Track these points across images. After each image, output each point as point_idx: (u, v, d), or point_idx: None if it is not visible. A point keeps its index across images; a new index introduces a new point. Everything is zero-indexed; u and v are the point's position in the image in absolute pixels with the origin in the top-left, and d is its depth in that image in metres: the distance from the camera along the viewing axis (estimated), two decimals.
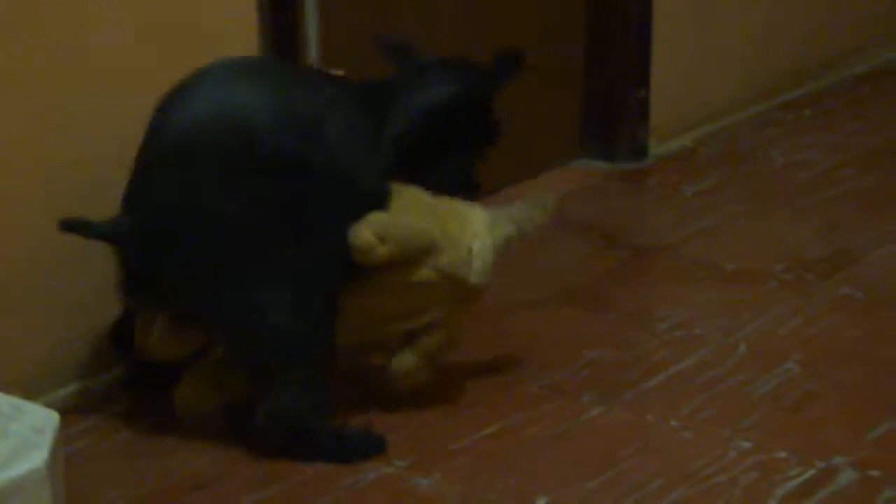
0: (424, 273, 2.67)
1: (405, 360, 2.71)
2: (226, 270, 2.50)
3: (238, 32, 2.94)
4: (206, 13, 2.88)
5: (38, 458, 1.97)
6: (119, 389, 2.79)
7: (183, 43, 2.82)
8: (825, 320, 3.05)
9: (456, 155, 2.75)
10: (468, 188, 2.78)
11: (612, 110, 3.84)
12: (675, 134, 3.97)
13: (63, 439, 2.11)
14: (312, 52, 3.02)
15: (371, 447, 2.60)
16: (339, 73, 2.80)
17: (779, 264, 3.29)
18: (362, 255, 2.60)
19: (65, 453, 2.15)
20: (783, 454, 2.58)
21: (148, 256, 2.52)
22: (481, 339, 2.89)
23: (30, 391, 2.62)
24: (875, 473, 2.53)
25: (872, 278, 3.23)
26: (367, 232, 2.60)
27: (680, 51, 3.93)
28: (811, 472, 2.53)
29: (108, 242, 2.55)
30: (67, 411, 2.59)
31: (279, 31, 3.00)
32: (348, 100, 2.63)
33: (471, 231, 2.69)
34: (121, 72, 2.76)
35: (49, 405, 2.26)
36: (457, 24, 3.42)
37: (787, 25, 4.24)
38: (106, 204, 2.56)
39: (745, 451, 2.59)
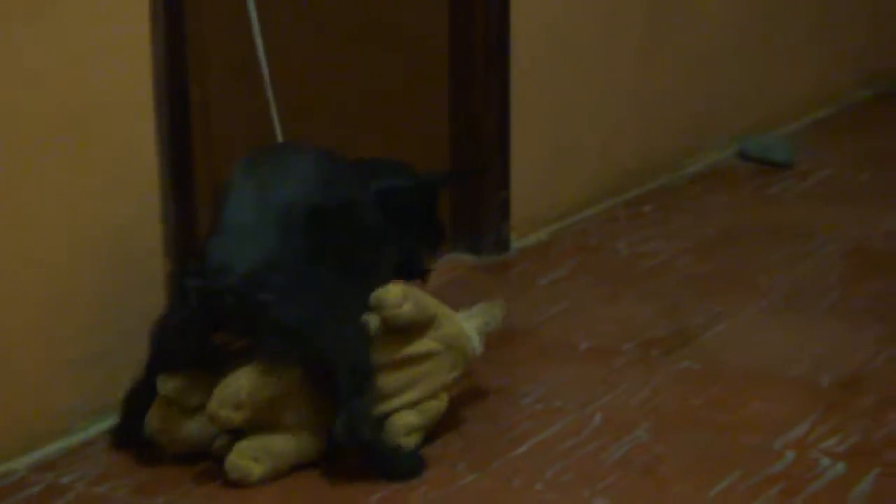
0: (429, 344, 2.76)
1: (409, 418, 2.74)
2: (323, 308, 2.65)
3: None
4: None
5: None
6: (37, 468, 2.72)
7: None
8: (669, 391, 3.06)
9: (412, 239, 2.99)
10: (421, 270, 3.05)
11: (477, 210, 3.84)
12: (532, 229, 3.98)
13: None
14: None
15: (418, 466, 2.70)
16: None
17: (627, 343, 3.30)
18: (390, 308, 2.68)
19: None
20: None
21: (248, 307, 2.62)
22: None
23: None
24: None
25: (709, 353, 3.25)
26: (396, 289, 2.70)
27: (535, 158, 3.95)
28: None
29: (215, 295, 2.63)
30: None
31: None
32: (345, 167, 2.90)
33: (457, 316, 2.82)
34: None
35: None
36: (328, 131, 3.41)
37: (628, 132, 4.28)
38: None
39: None
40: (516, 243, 3.90)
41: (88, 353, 2.86)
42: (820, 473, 2.69)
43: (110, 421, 2.88)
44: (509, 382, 3.11)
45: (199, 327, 2.68)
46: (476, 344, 2.83)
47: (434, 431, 2.84)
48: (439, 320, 2.78)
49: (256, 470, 2.65)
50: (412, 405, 2.74)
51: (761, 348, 3.28)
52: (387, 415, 2.73)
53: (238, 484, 2.63)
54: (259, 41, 3.08)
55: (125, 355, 2.87)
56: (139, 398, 2.75)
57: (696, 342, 3.31)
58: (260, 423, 2.67)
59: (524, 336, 3.36)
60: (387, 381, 2.71)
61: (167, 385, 2.69)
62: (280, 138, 3.13)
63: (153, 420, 2.72)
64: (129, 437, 2.78)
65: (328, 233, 2.72)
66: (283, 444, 2.68)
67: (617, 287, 3.63)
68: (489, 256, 3.83)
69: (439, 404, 2.78)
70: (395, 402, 2.73)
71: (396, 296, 2.70)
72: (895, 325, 3.37)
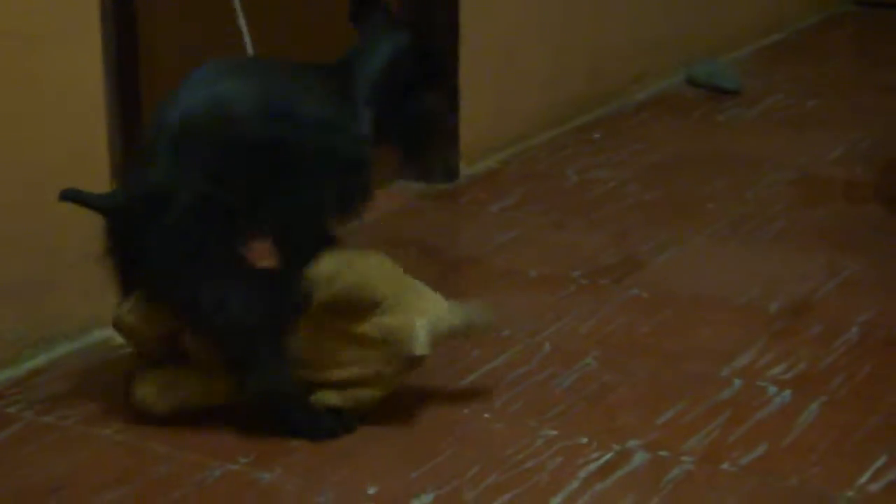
0: (366, 328, 2.55)
1: (327, 398, 2.59)
2: (202, 253, 2.46)
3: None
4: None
5: None
6: None
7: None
8: (618, 319, 3.06)
9: (418, 96, 2.67)
10: (433, 123, 2.74)
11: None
12: (482, 157, 3.96)
13: None
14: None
15: (343, 425, 2.58)
16: None
17: (576, 270, 3.30)
18: (313, 285, 2.50)
19: None
20: (584, 440, 2.58)
21: (133, 233, 2.47)
22: None
23: None
24: (664, 454, 2.53)
25: (657, 280, 3.25)
26: (324, 268, 2.51)
27: (484, 83, 3.93)
28: (609, 454, 2.53)
29: (100, 213, 2.50)
30: None
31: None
32: (319, 80, 2.58)
33: (423, 307, 2.57)
34: None
35: None
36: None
37: (576, 59, 4.26)
38: None
39: (551, 439, 2.58)
40: (465, 171, 3.89)
41: (36, 282, 2.83)
42: (767, 401, 2.71)
43: (59, 350, 2.86)
44: None
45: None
46: (419, 344, 2.54)
47: None
48: (388, 305, 2.55)
49: (160, 404, 2.58)
50: (337, 385, 2.58)
51: (709, 276, 3.29)
52: (309, 386, 2.59)
53: (141, 413, 2.59)
54: None
55: (73, 284, 2.85)
56: None
57: (645, 270, 3.31)
58: (171, 352, 2.61)
59: (473, 264, 3.35)
60: (320, 352, 2.57)
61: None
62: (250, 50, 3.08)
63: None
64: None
65: (229, 163, 2.46)
66: (190, 381, 2.59)
67: (566, 215, 3.63)
68: (438, 184, 3.81)
69: (372, 394, 2.59)
70: (318, 376, 2.58)
71: (319, 277, 2.51)
72: (842, 253, 3.39)
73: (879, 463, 2.50)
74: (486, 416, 2.67)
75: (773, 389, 2.75)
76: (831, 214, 3.66)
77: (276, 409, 2.57)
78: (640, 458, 2.52)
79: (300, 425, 2.57)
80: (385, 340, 2.55)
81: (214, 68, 2.56)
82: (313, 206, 2.54)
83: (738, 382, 2.78)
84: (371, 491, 2.42)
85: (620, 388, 2.76)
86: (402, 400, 2.71)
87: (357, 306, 2.54)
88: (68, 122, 2.85)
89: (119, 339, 2.69)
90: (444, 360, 2.87)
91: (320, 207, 2.55)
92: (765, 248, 3.44)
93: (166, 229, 2.45)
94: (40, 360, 2.85)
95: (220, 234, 2.48)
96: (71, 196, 2.50)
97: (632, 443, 2.56)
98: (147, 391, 2.59)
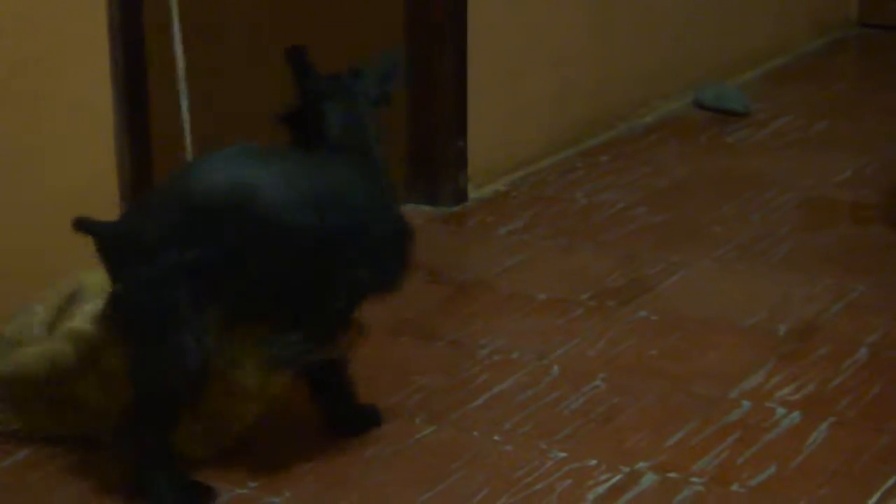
0: None
1: None
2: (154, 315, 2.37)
3: None
4: None
5: None
6: None
7: None
8: (626, 342, 3.06)
9: None
10: None
11: (434, 159, 3.82)
12: (490, 180, 3.96)
13: None
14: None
15: (198, 499, 2.45)
16: None
17: (584, 293, 3.29)
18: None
19: None
20: (593, 462, 2.58)
21: (106, 264, 2.43)
22: None
23: None
24: (673, 475, 2.53)
25: (665, 303, 3.25)
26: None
27: (492, 107, 3.93)
28: (618, 476, 2.53)
29: (95, 239, 2.43)
30: None
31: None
32: (338, 166, 2.51)
33: None
34: None
35: None
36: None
37: (584, 83, 4.27)
38: None
39: (560, 461, 2.58)
40: (474, 194, 3.89)
41: None
42: (775, 423, 2.71)
43: None
44: (466, 334, 3.10)
45: None
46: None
47: (392, 384, 2.84)
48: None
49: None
50: None
51: (717, 298, 3.28)
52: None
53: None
54: None
55: None
56: None
57: (653, 292, 3.31)
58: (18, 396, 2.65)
59: (481, 287, 3.35)
60: None
61: None
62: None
63: None
64: None
65: (245, 246, 2.37)
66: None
67: (574, 238, 3.63)
68: (446, 207, 3.82)
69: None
70: None
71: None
72: (849, 275, 3.39)
73: (889, 484, 2.50)
74: (495, 438, 2.66)
75: (781, 411, 2.75)
76: (838, 236, 3.66)
77: (140, 475, 2.44)
78: (649, 479, 2.52)
79: (154, 495, 2.42)
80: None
81: (239, 152, 2.45)
82: (348, 292, 2.48)
83: (746, 404, 2.78)
84: None
85: (629, 410, 2.76)
86: (410, 423, 2.71)
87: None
88: (77, 144, 2.86)
89: None
90: (452, 383, 2.87)
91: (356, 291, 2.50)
92: (772, 270, 3.44)
93: (133, 279, 2.37)
94: None
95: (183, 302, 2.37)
96: (80, 225, 2.42)
97: (641, 464, 2.56)
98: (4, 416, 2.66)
